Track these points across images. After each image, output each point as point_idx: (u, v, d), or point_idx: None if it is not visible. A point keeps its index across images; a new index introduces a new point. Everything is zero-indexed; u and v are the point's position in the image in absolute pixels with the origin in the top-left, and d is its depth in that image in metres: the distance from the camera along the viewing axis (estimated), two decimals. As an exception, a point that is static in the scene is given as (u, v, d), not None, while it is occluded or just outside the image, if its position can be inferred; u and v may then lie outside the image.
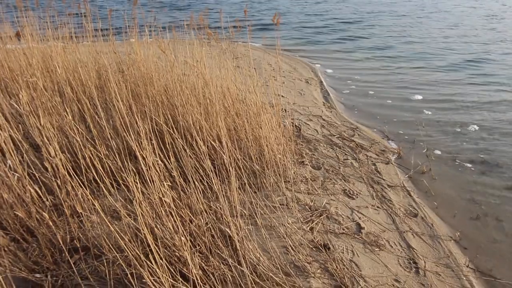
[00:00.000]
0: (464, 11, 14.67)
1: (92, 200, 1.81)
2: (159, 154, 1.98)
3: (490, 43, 8.33)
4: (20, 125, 2.41)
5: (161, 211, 1.74)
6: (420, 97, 5.05)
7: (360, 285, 1.87)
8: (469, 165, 3.33)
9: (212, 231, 1.92)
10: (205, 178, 2.23)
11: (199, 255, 1.78)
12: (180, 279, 1.58)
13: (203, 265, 1.73)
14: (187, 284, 1.57)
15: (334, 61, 7.17)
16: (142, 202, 1.68)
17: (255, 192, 2.48)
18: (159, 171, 1.85)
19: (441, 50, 7.74)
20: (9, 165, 1.89)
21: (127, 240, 1.58)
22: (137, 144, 1.83)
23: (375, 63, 6.92)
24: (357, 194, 2.73)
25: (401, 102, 4.92)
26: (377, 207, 2.61)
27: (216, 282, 1.66)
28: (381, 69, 6.56)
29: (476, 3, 16.89)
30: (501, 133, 3.90)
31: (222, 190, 1.95)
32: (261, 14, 13.28)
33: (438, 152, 3.55)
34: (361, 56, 7.46)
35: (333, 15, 13.62)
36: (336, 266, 1.95)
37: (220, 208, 2.00)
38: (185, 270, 1.66)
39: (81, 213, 1.95)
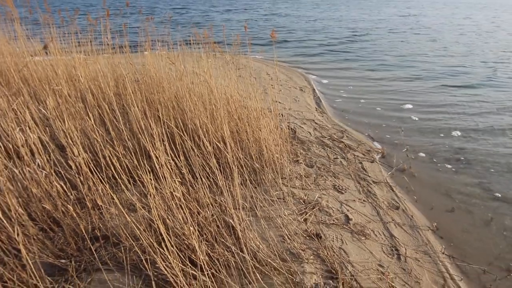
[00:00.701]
0: (455, 28, 14.47)
1: (111, 194, 1.82)
2: (170, 153, 1.98)
3: (480, 59, 8.05)
4: (47, 128, 2.41)
5: (172, 204, 1.74)
6: (410, 106, 4.94)
7: (348, 270, 1.88)
8: (445, 164, 3.34)
9: (217, 222, 1.92)
10: (211, 175, 2.24)
11: (205, 243, 1.79)
12: (189, 264, 1.59)
13: (209, 252, 1.74)
14: (195, 269, 1.58)
15: (330, 72, 7.03)
16: (155, 196, 1.68)
17: (255, 188, 2.48)
18: (170, 169, 1.86)
19: (433, 65, 7.53)
20: (38, 163, 1.89)
21: (142, 230, 1.58)
22: (151, 145, 1.83)
23: (369, 76, 6.72)
24: (345, 189, 2.73)
25: (390, 110, 4.83)
26: (363, 200, 2.62)
27: (221, 267, 1.66)
28: (375, 81, 6.36)
29: (464, 21, 16.80)
30: (479, 139, 3.87)
31: (226, 186, 1.96)
32: (265, 30, 13.21)
33: (419, 153, 3.55)
34: (356, 69, 7.25)
35: (330, 31, 13.46)
36: (327, 253, 1.96)
37: (224, 201, 2.01)
38: (193, 256, 1.67)
39: (101, 206, 1.95)
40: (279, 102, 4.74)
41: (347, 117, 4.57)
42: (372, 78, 6.54)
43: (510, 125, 4.26)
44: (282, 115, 4.18)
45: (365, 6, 33.48)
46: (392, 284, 1.84)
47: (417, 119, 4.46)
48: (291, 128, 3.79)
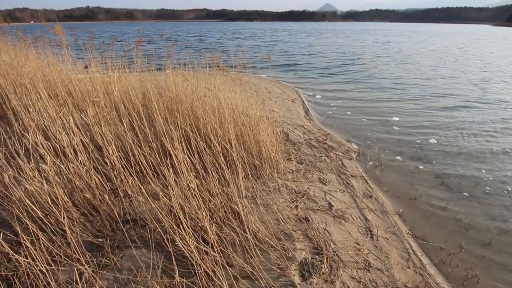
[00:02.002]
0: (432, 53, 14.12)
1: (139, 186, 1.82)
2: (187, 153, 1.98)
3: (460, 82, 7.60)
4: (87, 132, 2.41)
5: (188, 193, 1.74)
6: (396, 118, 4.70)
7: (331, 247, 1.87)
8: (414, 163, 3.32)
9: (225, 208, 1.92)
10: (219, 170, 2.23)
11: (215, 225, 1.78)
12: (202, 242, 1.58)
13: (219, 232, 1.73)
14: (207, 246, 1.57)
15: (323, 90, 6.76)
16: (175, 187, 1.68)
17: (255, 180, 2.48)
18: (186, 165, 1.85)
19: (417, 87, 7.12)
20: (80, 161, 1.89)
21: (164, 215, 1.58)
22: (171, 146, 1.83)
23: (359, 94, 6.38)
24: (328, 181, 2.72)
25: (374, 121, 4.63)
26: (343, 191, 2.61)
27: (228, 245, 1.66)
28: (363, 98, 6.03)
29: (435, 47, 16.48)
30: (449, 144, 3.79)
31: (232, 179, 1.95)
32: (268, 53, 12.92)
33: (393, 154, 3.51)
34: (348, 88, 6.91)
35: (325, 55, 13.14)
36: (314, 233, 1.95)
37: (231, 191, 2.00)
38: (205, 236, 1.66)
39: (131, 195, 1.95)
40: (275, 111, 4.73)
41: (334, 125, 4.45)
42: (361, 96, 6.23)
43: (480, 135, 4.14)
44: (277, 121, 4.17)
45: (348, 34, 33.23)
46: (367, 258, 1.83)
47: (398, 128, 4.32)
48: (285, 132, 3.79)
